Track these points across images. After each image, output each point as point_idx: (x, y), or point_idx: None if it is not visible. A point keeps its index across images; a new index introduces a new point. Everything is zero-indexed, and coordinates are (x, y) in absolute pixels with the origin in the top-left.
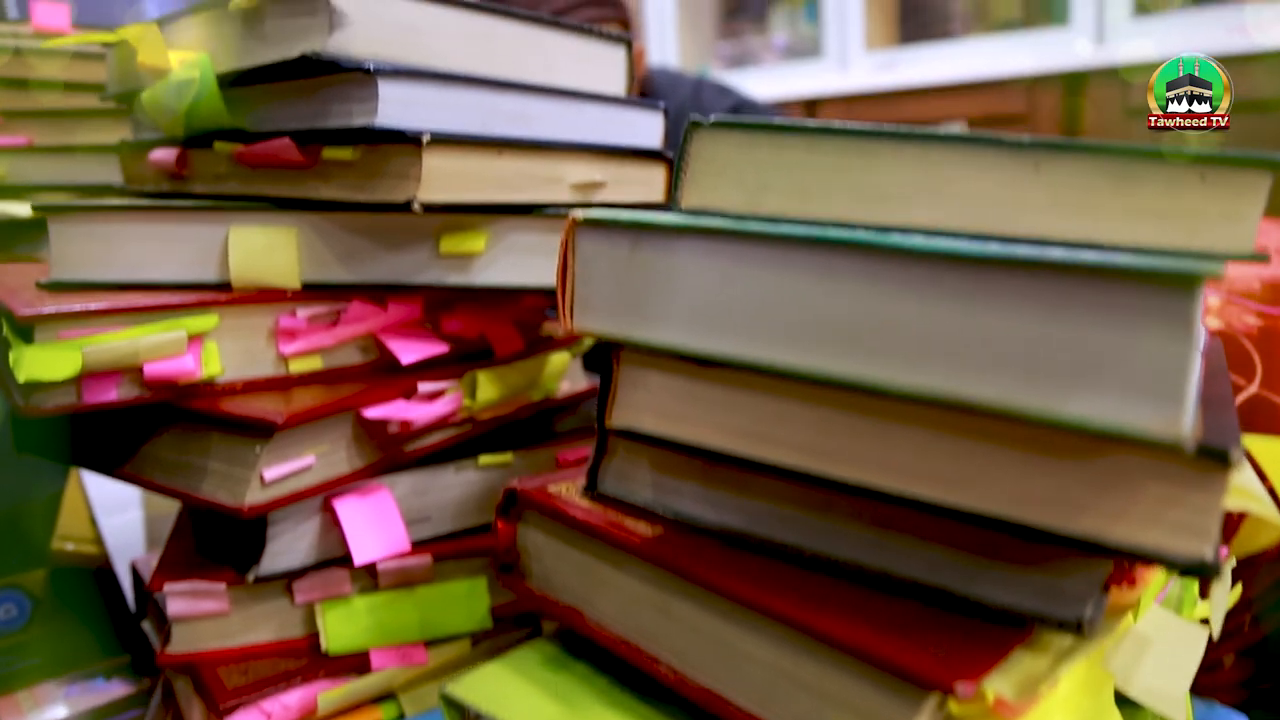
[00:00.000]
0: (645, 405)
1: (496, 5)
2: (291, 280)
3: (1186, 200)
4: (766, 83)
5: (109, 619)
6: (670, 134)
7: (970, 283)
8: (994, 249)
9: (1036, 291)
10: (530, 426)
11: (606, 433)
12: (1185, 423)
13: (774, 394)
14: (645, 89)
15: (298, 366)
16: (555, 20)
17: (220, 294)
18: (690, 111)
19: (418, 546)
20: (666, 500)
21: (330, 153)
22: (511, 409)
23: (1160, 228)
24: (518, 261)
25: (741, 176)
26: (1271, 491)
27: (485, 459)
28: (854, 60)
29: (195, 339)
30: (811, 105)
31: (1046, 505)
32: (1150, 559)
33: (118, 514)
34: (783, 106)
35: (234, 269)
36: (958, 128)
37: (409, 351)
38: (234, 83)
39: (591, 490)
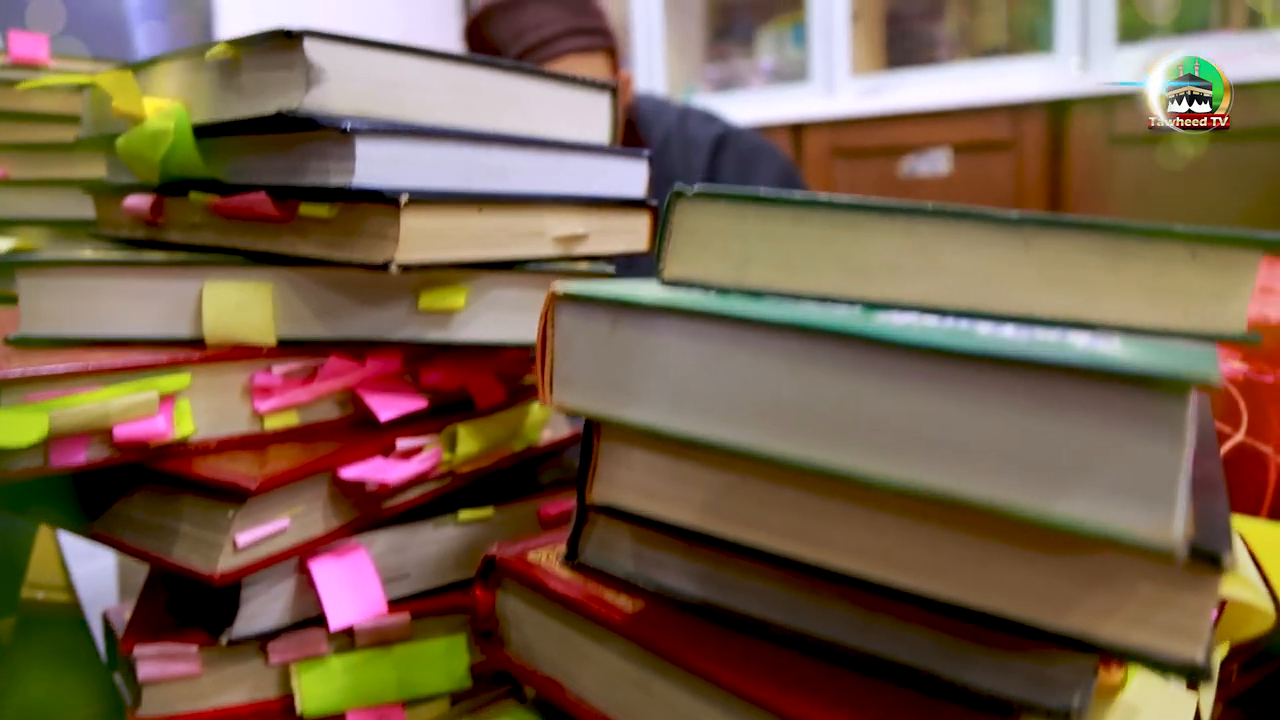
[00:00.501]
0: (627, 482)
1: (477, 56)
2: (267, 336)
3: (1177, 278)
4: (753, 106)
5: (79, 669)
6: (655, 162)
7: (955, 375)
8: (978, 342)
9: (1023, 387)
10: (511, 477)
11: (587, 507)
12: (1176, 527)
13: (758, 477)
14: (631, 117)
15: (273, 423)
16: (537, 70)
17: (194, 351)
18: (676, 139)
19: (395, 604)
20: (648, 572)
21: (307, 209)
22: (492, 460)
23: (1152, 305)
24: (499, 317)
25: (726, 248)
26: (1265, 578)
27: (465, 514)
28: (840, 85)
29: (167, 399)
30: (797, 129)
31: (1033, 600)
32: (1139, 659)
33: (89, 562)
34: (769, 130)
35: (208, 325)
36: (943, 154)
37: (387, 408)
38: (210, 133)
39: (572, 560)
